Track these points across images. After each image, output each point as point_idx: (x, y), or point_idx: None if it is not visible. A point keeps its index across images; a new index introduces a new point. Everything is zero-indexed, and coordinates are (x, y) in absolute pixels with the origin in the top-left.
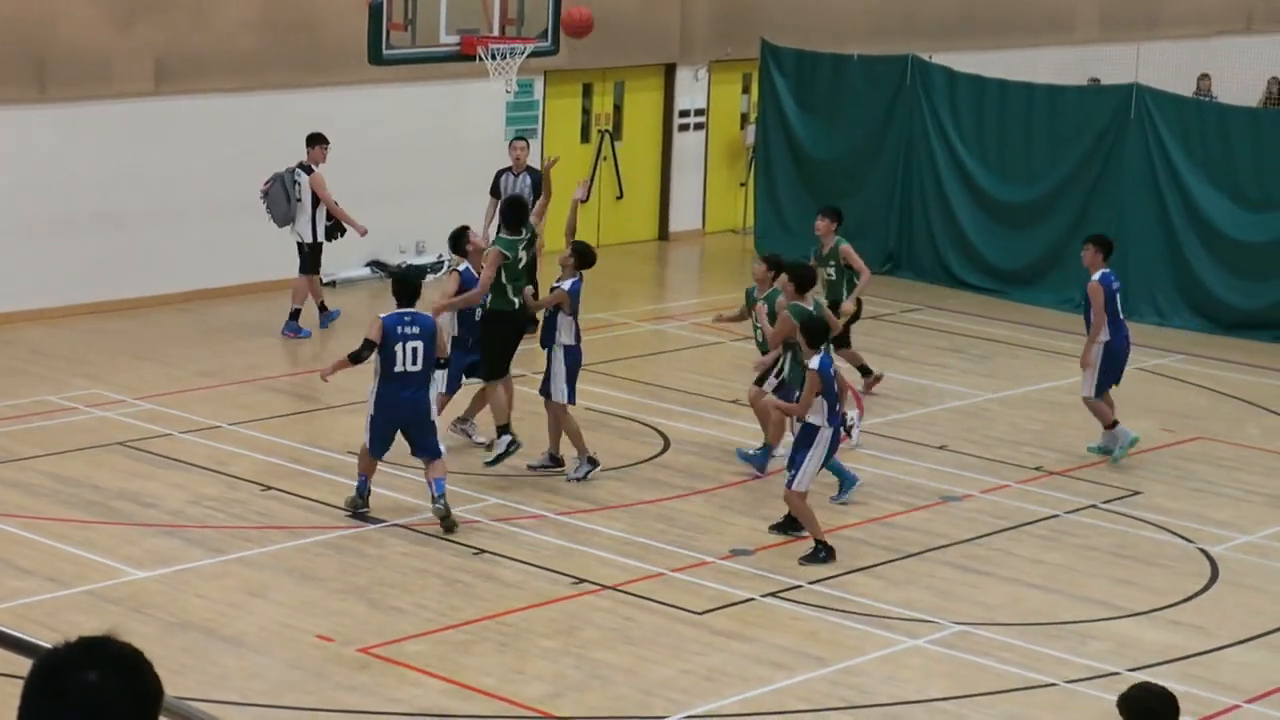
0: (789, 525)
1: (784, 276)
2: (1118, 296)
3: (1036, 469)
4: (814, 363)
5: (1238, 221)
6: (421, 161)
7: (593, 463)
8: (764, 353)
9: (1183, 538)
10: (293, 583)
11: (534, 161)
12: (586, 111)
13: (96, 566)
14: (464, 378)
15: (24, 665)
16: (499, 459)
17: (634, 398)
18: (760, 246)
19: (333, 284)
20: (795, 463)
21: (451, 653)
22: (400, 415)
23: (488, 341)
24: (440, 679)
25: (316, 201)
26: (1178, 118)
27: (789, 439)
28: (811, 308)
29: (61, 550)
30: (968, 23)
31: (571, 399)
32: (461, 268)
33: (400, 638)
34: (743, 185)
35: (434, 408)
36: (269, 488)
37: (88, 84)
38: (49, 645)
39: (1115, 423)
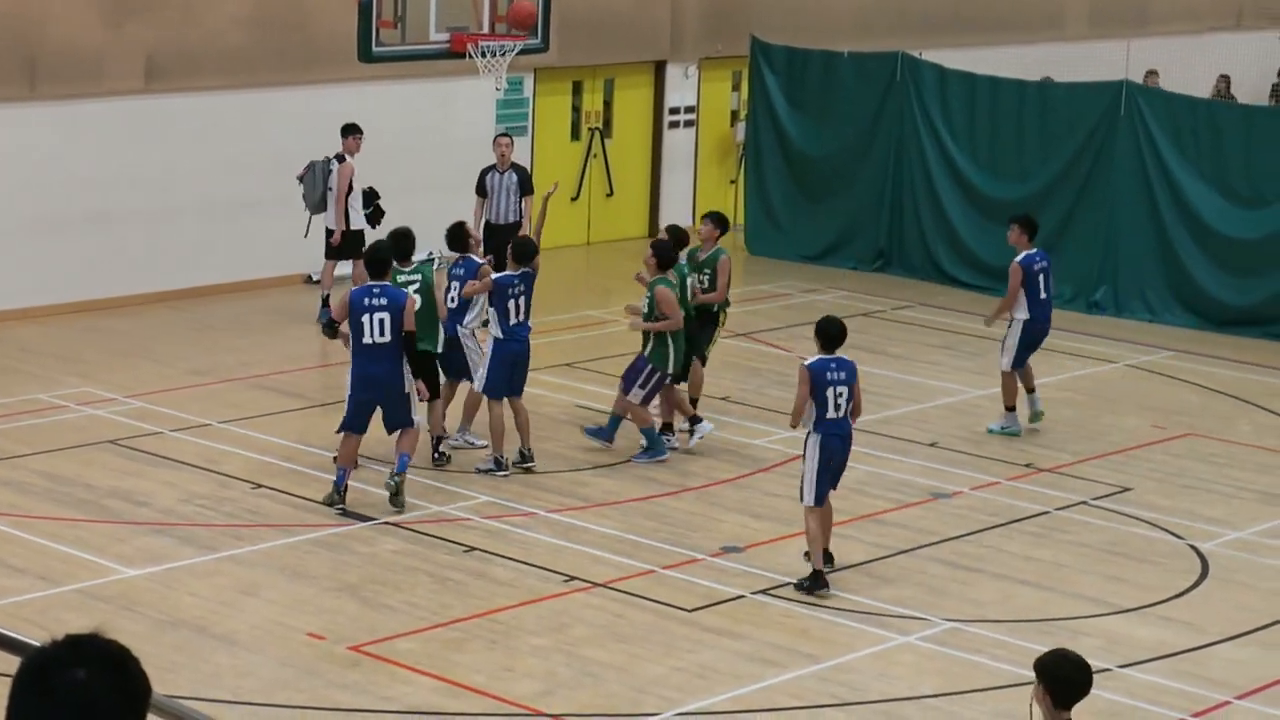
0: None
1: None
2: (1042, 276)
3: (1027, 466)
4: (808, 361)
5: (1228, 218)
6: (411, 159)
7: (499, 464)
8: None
9: (1173, 534)
10: (284, 581)
11: (517, 158)
12: (576, 109)
13: (87, 565)
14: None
15: (14, 664)
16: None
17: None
18: (751, 244)
19: (319, 281)
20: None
21: (442, 650)
22: (373, 390)
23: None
24: (431, 677)
25: (349, 190)
26: (1168, 114)
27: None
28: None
29: (52, 548)
30: (958, 20)
31: (495, 393)
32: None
33: (391, 635)
34: (733, 182)
35: (407, 380)
36: (260, 486)
37: (78, 82)
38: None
39: (1014, 408)
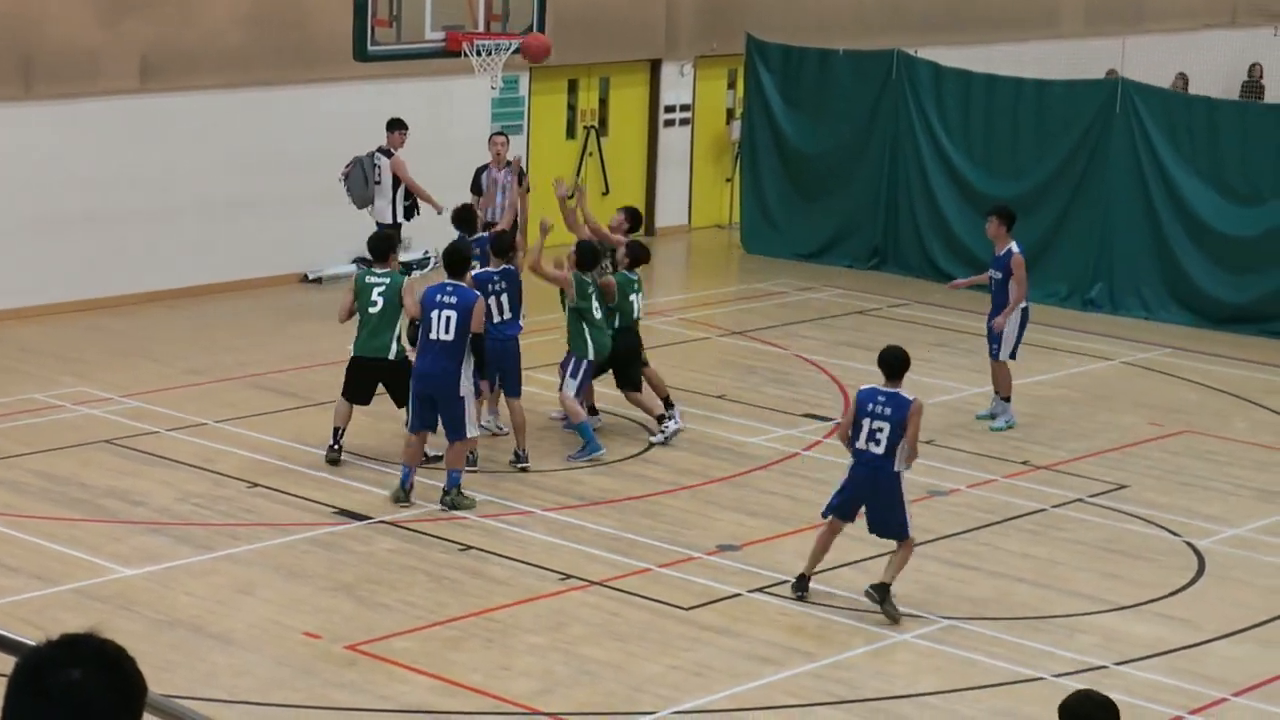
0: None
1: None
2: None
3: (1023, 463)
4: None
5: (1224, 215)
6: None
7: (469, 459)
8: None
9: (1170, 531)
10: (280, 580)
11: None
12: (572, 108)
13: (84, 564)
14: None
15: (10, 663)
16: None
17: (620, 393)
18: (746, 242)
19: (318, 280)
20: None
21: (439, 649)
22: (430, 386)
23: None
24: (428, 676)
25: (396, 184)
26: (1164, 111)
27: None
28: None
29: (48, 548)
30: (953, 17)
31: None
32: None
33: (388, 634)
34: (728, 180)
35: (464, 384)
36: (256, 485)
37: (74, 81)
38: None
39: (1010, 397)
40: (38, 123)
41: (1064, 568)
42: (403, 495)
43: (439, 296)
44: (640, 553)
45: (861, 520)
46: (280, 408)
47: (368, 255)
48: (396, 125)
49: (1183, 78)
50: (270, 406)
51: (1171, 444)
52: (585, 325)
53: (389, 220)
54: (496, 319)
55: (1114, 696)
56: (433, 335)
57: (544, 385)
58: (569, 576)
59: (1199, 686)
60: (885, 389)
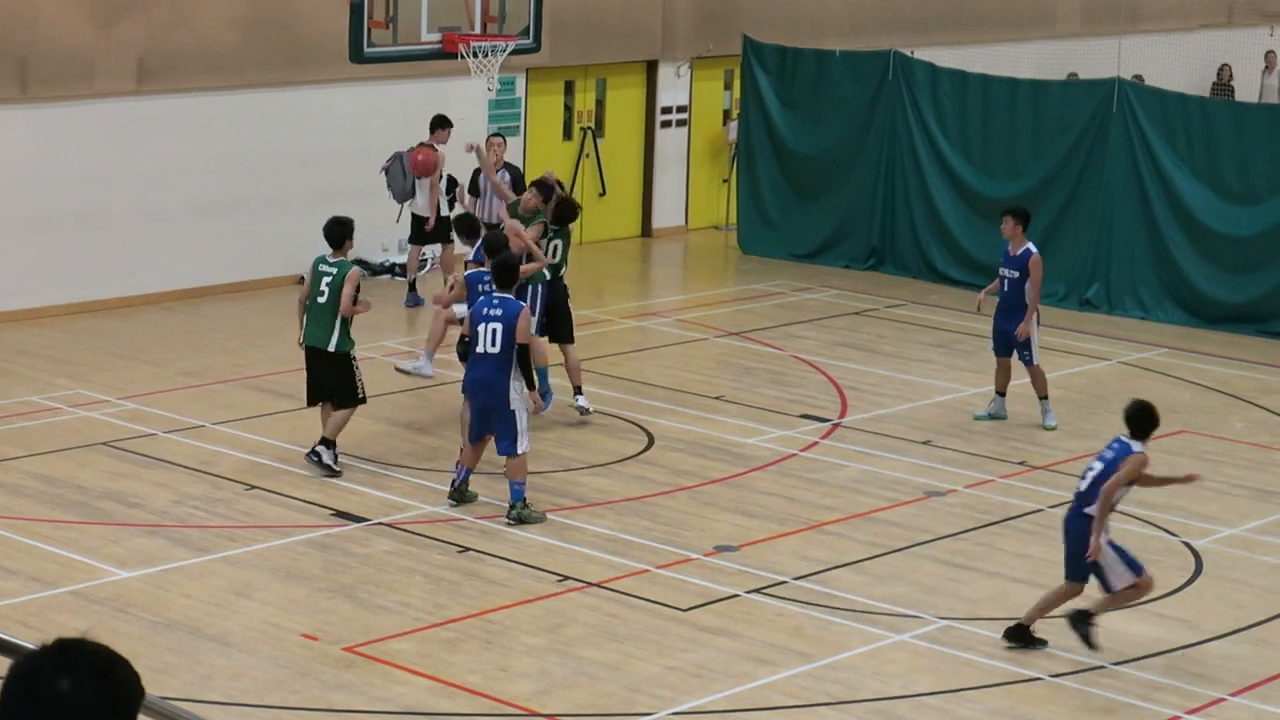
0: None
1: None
2: None
3: (1020, 464)
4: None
5: (1221, 215)
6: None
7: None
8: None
9: (1167, 531)
10: (278, 582)
11: (510, 159)
12: (569, 109)
13: (81, 566)
14: None
15: (4, 665)
16: None
17: (618, 394)
18: (743, 243)
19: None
20: None
21: (437, 651)
22: (482, 397)
23: None
24: (426, 677)
25: (441, 178)
26: (1160, 111)
27: None
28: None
29: (46, 550)
30: (949, 17)
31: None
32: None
33: (386, 636)
34: (725, 181)
35: (514, 397)
36: (254, 487)
37: (69, 83)
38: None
39: (1047, 394)
40: (33, 124)
41: (1061, 568)
42: (455, 495)
43: (485, 310)
44: (638, 554)
45: (857, 522)
46: (277, 409)
47: (361, 257)
48: (442, 123)
49: (1138, 79)
50: (267, 408)
51: (1168, 444)
52: None
53: (427, 214)
54: None
55: (1112, 696)
56: (480, 349)
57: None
58: (566, 578)
59: (1197, 686)
60: (1127, 439)
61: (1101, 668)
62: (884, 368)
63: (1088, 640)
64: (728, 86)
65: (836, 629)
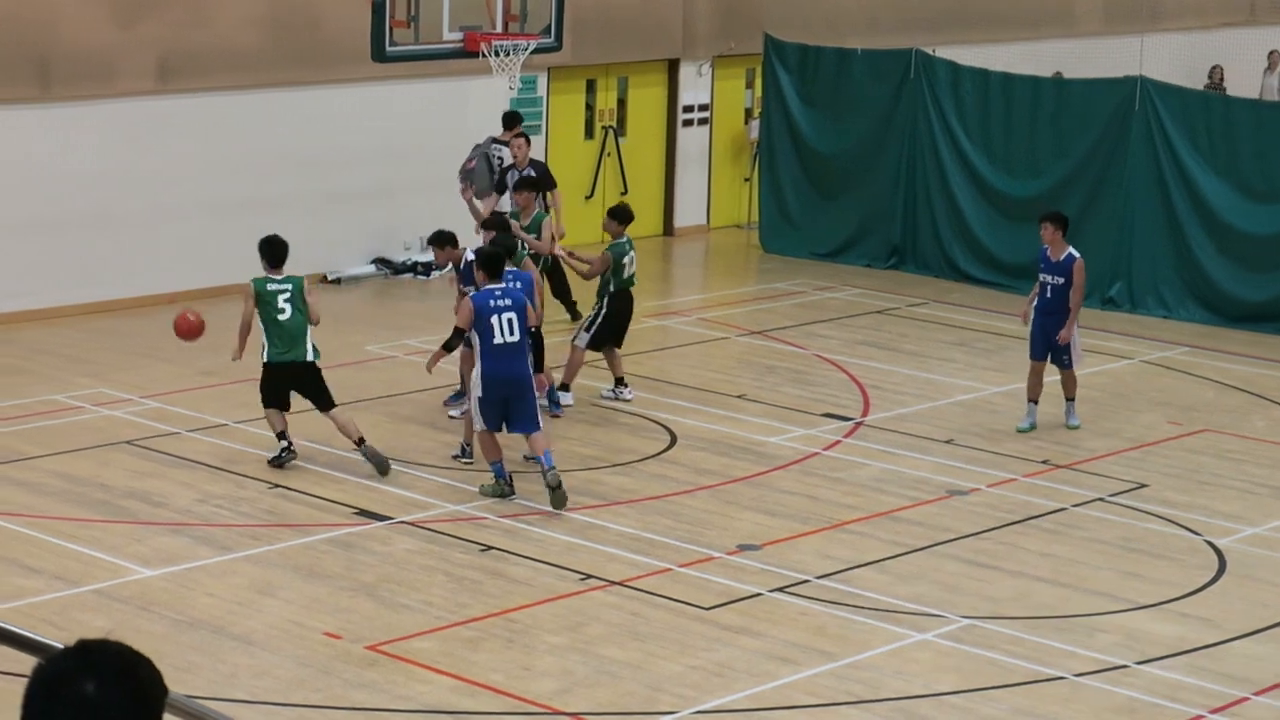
0: None
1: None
2: None
3: (1043, 462)
4: None
5: (1243, 213)
6: (424, 159)
7: (465, 450)
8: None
9: (1190, 530)
10: (300, 580)
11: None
12: (590, 108)
13: (104, 565)
14: None
15: (29, 663)
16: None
17: (640, 393)
18: (765, 241)
19: (337, 281)
20: None
21: (460, 649)
22: (506, 389)
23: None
24: (449, 676)
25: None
26: (1182, 110)
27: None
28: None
29: (69, 549)
30: (969, 15)
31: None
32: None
33: (408, 635)
34: (747, 180)
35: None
36: (276, 485)
37: (90, 83)
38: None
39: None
40: (54, 124)
41: (1084, 567)
42: (508, 489)
43: (491, 301)
44: (660, 552)
45: (879, 520)
46: (299, 409)
47: (383, 256)
48: (516, 119)
49: (1058, 75)
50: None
51: (1191, 442)
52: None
53: (514, 210)
54: None
55: (1134, 696)
56: (497, 340)
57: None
58: (589, 576)
59: (1220, 686)
60: None
61: (1125, 667)
62: (906, 366)
63: None
64: (749, 85)
65: (859, 628)
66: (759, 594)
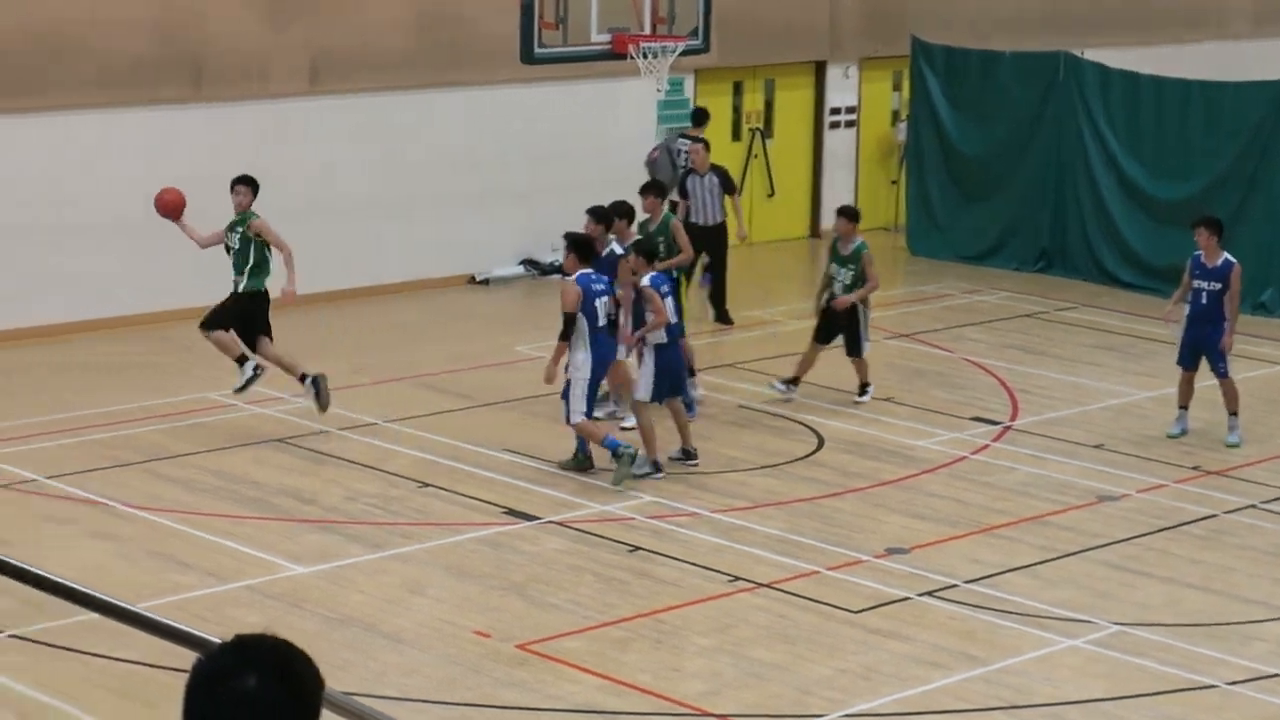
0: None
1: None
2: None
3: (1194, 468)
4: None
5: None
6: (571, 160)
7: (657, 466)
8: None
9: None
10: (450, 579)
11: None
12: (737, 109)
13: (256, 562)
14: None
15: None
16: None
17: (788, 395)
18: (912, 244)
19: (485, 282)
20: None
21: (608, 649)
22: (603, 372)
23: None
24: (597, 675)
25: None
26: None
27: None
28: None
29: (222, 545)
30: (1120, 18)
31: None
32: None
33: (557, 634)
34: (894, 183)
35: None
36: (426, 484)
37: (242, 84)
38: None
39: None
40: (206, 125)
41: (1237, 574)
42: (657, 467)
43: (593, 285)
44: (808, 555)
45: (1028, 525)
46: (449, 408)
47: (531, 257)
48: (704, 116)
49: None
50: (438, 407)
51: None
52: None
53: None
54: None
55: None
56: (600, 322)
57: (709, 388)
58: (737, 578)
59: None
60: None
61: (1278, 675)
62: (1055, 370)
63: None
64: (896, 87)
65: (1008, 633)
66: (907, 598)
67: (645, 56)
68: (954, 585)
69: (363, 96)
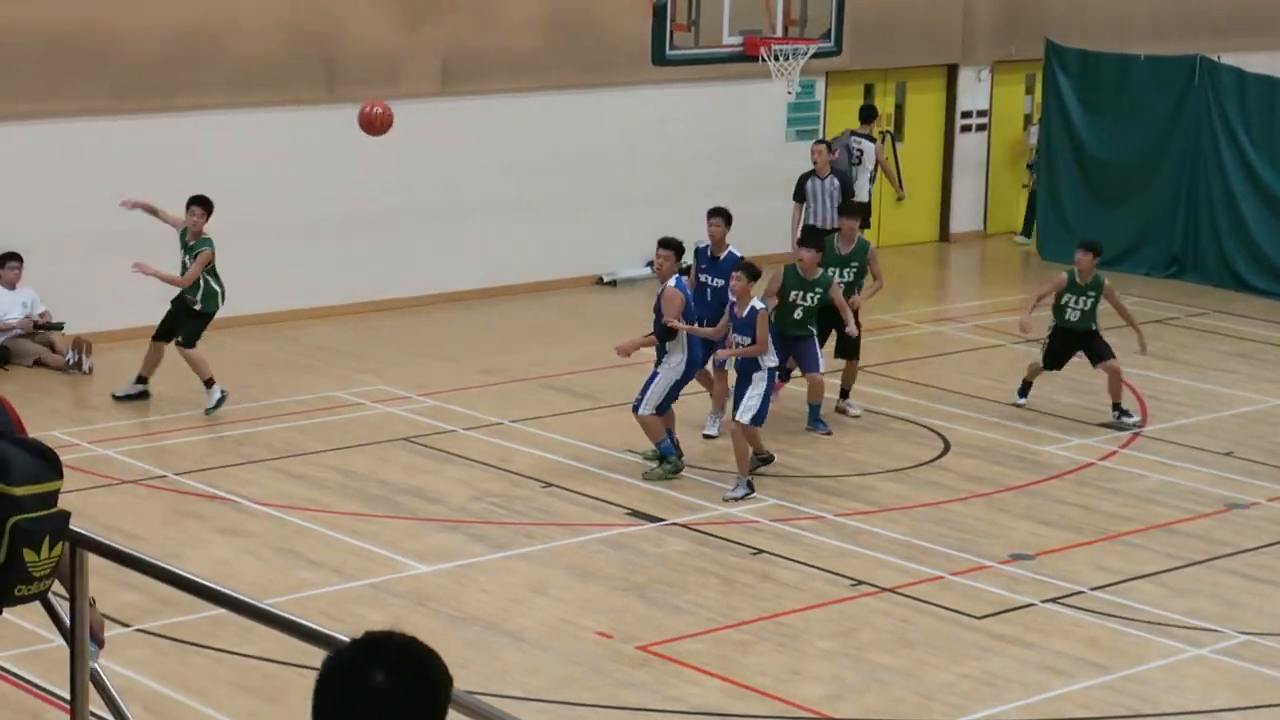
0: None
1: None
2: None
3: None
4: None
5: None
6: (701, 163)
7: (749, 486)
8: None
9: None
10: (573, 579)
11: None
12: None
13: (381, 560)
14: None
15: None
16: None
17: (913, 399)
18: (1043, 249)
19: (613, 283)
20: None
21: (730, 652)
22: (693, 374)
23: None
24: (718, 678)
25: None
26: None
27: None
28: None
29: (347, 543)
30: (1257, 20)
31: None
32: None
33: (679, 636)
34: (1025, 187)
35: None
36: (550, 485)
37: (376, 84)
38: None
39: None
40: (341, 124)
41: None
42: (680, 462)
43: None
44: (932, 560)
45: (1155, 533)
46: (574, 409)
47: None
48: (872, 113)
49: None
50: (564, 407)
51: None
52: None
53: (865, 198)
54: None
55: None
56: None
57: (836, 391)
58: (860, 582)
59: None
60: None
61: None
62: (1184, 377)
63: None
64: (1028, 91)
65: (1133, 641)
66: (1031, 604)
67: (776, 59)
68: (1079, 592)
69: (494, 98)
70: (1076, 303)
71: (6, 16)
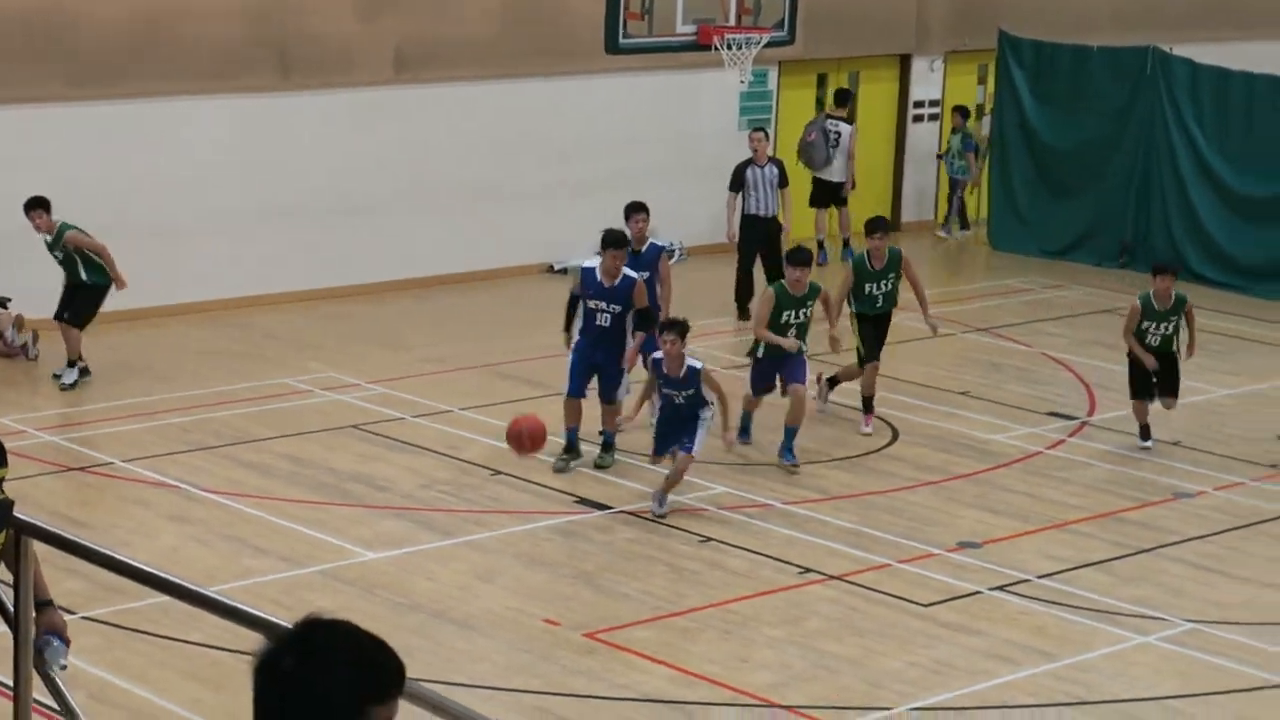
0: None
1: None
2: None
3: (1273, 466)
4: None
5: None
6: (654, 151)
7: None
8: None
9: None
10: (521, 567)
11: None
12: (820, 102)
13: (329, 547)
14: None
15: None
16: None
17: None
18: (994, 239)
19: (564, 271)
20: None
21: (677, 639)
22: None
23: None
24: (666, 665)
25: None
26: None
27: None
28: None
29: (296, 530)
30: (1209, 13)
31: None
32: None
33: (627, 624)
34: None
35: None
36: (499, 472)
37: (330, 72)
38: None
39: None
40: (293, 112)
41: None
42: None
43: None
44: (880, 548)
45: (1104, 521)
46: (524, 396)
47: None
48: (847, 96)
49: None
50: (513, 395)
51: None
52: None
53: (840, 179)
54: None
55: None
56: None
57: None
58: (808, 570)
59: None
60: None
61: None
62: None
63: None
64: (981, 81)
65: (1079, 629)
66: (979, 592)
67: (730, 48)
68: (1026, 580)
69: (448, 86)
70: (1157, 329)
71: None
